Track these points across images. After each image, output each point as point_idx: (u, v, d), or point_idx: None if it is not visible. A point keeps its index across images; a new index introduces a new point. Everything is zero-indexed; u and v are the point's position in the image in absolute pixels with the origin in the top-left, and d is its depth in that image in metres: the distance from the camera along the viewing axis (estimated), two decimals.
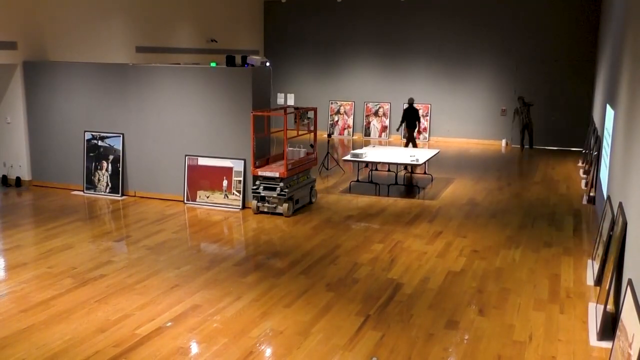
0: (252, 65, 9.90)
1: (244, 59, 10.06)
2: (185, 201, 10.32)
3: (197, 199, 10.25)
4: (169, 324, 5.74)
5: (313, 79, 19.61)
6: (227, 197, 10.08)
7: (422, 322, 5.82)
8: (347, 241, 8.35)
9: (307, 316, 5.94)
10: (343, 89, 19.30)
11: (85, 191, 10.96)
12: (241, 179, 9.97)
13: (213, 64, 10.53)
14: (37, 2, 11.25)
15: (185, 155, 10.29)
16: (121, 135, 10.71)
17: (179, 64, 12.50)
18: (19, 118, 11.30)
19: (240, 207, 9.97)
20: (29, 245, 8.07)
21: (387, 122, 18.78)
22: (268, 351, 5.28)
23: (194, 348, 5.30)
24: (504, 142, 17.77)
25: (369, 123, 18.97)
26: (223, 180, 10.08)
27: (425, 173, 12.87)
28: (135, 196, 10.72)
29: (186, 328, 5.65)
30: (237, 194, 10.02)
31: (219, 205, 10.09)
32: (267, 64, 10.29)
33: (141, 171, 10.67)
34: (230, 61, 10.16)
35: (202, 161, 10.19)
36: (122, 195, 10.73)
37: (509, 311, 6.09)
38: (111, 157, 10.80)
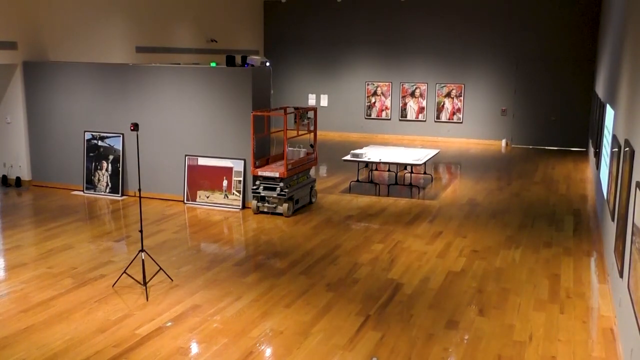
0: (252, 65, 9.90)
1: (244, 59, 10.06)
2: (185, 201, 10.32)
3: (197, 199, 10.25)
4: (169, 324, 5.74)
5: (313, 78, 19.60)
6: (227, 197, 10.08)
7: (422, 322, 5.82)
8: (347, 241, 8.35)
9: (307, 316, 5.94)
10: (343, 88, 19.30)
11: (85, 191, 10.96)
12: (241, 179, 9.97)
13: (213, 64, 10.53)
14: (37, 2, 11.25)
15: (185, 155, 10.29)
16: (121, 135, 10.71)
17: (179, 64, 12.50)
18: (19, 118, 11.30)
19: (241, 207, 9.97)
20: (29, 245, 8.07)
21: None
22: (268, 351, 5.28)
23: (194, 348, 5.30)
24: (504, 142, 17.77)
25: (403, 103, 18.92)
26: (223, 180, 10.08)
27: (425, 173, 12.87)
28: (135, 196, 10.72)
29: (186, 328, 5.65)
30: (237, 194, 10.02)
31: (219, 205, 10.09)
32: (267, 64, 10.29)
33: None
34: (230, 61, 10.16)
35: (202, 161, 10.20)
36: (122, 195, 10.73)
37: (509, 311, 6.09)
38: (111, 157, 10.80)
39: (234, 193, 10.04)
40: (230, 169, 10.02)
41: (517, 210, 10.18)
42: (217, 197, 10.13)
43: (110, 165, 10.81)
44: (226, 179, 10.07)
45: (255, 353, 5.21)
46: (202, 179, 10.21)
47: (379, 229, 8.98)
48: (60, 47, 11.80)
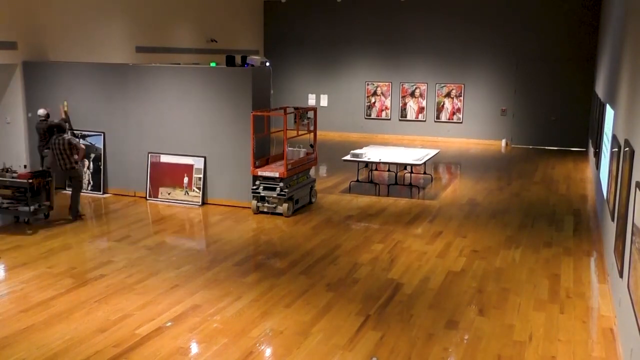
0: (252, 65, 9.89)
1: (244, 59, 10.05)
2: (147, 197, 10.43)
3: (159, 196, 10.37)
4: (169, 324, 5.74)
5: (313, 78, 19.60)
6: (188, 193, 10.18)
7: (422, 322, 5.82)
8: (347, 241, 8.35)
9: (307, 316, 5.94)
10: (343, 88, 19.29)
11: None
12: (201, 176, 10.14)
13: (213, 64, 10.53)
14: (37, 2, 11.24)
15: (149, 153, 10.46)
16: (102, 134, 10.71)
17: (179, 64, 12.50)
18: (18, 118, 11.28)
19: (200, 203, 10.14)
20: (29, 245, 8.06)
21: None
22: (268, 351, 5.29)
23: (194, 348, 5.30)
24: (503, 142, 17.76)
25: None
26: (184, 177, 10.29)
27: (425, 173, 12.87)
28: (135, 196, 10.71)
29: (186, 328, 5.65)
30: (197, 190, 10.13)
31: (179, 201, 10.28)
32: (267, 64, 10.29)
33: (141, 171, 10.64)
34: (230, 61, 10.16)
35: (165, 158, 10.38)
36: (104, 193, 10.81)
37: (509, 311, 6.09)
38: (92, 155, 10.87)
39: (194, 190, 10.18)
40: (191, 166, 10.19)
41: (517, 210, 10.18)
42: (178, 193, 10.29)
43: (92, 163, 10.84)
44: (187, 176, 10.22)
45: (255, 353, 5.21)
46: (164, 176, 10.42)
47: (379, 229, 8.98)
48: (60, 47, 11.79)
